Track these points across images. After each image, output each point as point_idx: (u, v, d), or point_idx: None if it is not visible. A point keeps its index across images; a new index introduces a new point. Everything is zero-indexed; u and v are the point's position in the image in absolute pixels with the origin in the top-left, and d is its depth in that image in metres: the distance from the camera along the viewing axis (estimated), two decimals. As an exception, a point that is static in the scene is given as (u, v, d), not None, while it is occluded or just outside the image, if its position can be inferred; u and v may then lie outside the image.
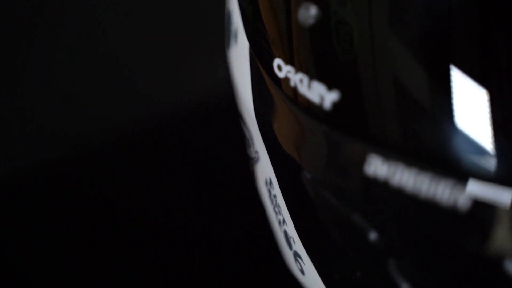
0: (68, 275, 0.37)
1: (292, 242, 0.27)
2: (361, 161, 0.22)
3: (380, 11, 0.21)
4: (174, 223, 0.39)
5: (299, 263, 0.27)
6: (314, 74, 0.23)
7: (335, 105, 0.23)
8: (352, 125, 0.22)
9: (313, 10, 0.23)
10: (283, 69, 0.24)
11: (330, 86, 0.23)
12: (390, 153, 0.21)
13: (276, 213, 0.27)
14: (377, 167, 0.22)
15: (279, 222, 0.27)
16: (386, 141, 0.21)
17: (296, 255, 0.27)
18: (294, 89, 0.24)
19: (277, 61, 0.25)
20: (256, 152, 0.28)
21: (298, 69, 0.24)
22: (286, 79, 0.24)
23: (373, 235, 0.22)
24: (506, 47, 0.20)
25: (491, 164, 0.20)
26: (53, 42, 0.47)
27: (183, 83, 0.48)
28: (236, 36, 0.29)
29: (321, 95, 0.23)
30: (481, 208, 0.20)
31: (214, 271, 0.37)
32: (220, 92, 0.29)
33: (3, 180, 0.42)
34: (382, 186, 0.21)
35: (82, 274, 0.37)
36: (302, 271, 0.27)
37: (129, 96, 0.47)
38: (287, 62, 0.24)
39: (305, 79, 0.23)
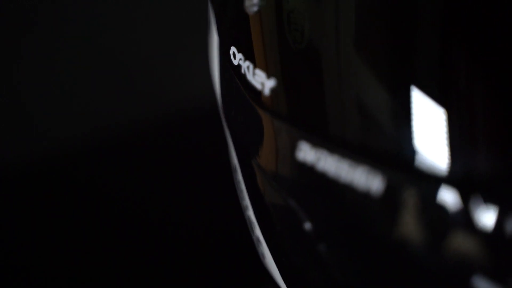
0: (63, 272, 0.38)
1: (254, 227, 0.27)
2: (294, 147, 0.22)
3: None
4: (171, 222, 0.40)
5: (260, 247, 0.27)
6: (257, 62, 0.24)
7: (273, 92, 0.23)
8: (286, 111, 0.23)
9: None
10: (236, 56, 0.25)
11: (269, 74, 0.23)
12: (317, 140, 0.22)
13: (241, 198, 0.28)
14: (306, 152, 0.22)
15: (244, 208, 0.28)
16: (314, 128, 0.22)
17: (257, 239, 0.27)
18: (244, 76, 0.24)
19: (233, 49, 0.25)
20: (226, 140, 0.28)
21: (246, 57, 0.24)
22: (239, 67, 0.25)
23: (306, 221, 0.23)
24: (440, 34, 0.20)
25: (405, 153, 0.20)
26: (52, 40, 0.48)
27: (182, 82, 0.48)
28: (210, 24, 0.29)
29: (262, 82, 0.23)
30: (393, 195, 0.20)
31: (211, 268, 0.37)
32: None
33: (2, 178, 0.43)
34: (309, 172, 0.22)
35: (78, 270, 0.38)
36: (263, 255, 0.27)
37: (128, 95, 0.47)
38: (239, 50, 0.25)
39: (251, 66, 0.24)
